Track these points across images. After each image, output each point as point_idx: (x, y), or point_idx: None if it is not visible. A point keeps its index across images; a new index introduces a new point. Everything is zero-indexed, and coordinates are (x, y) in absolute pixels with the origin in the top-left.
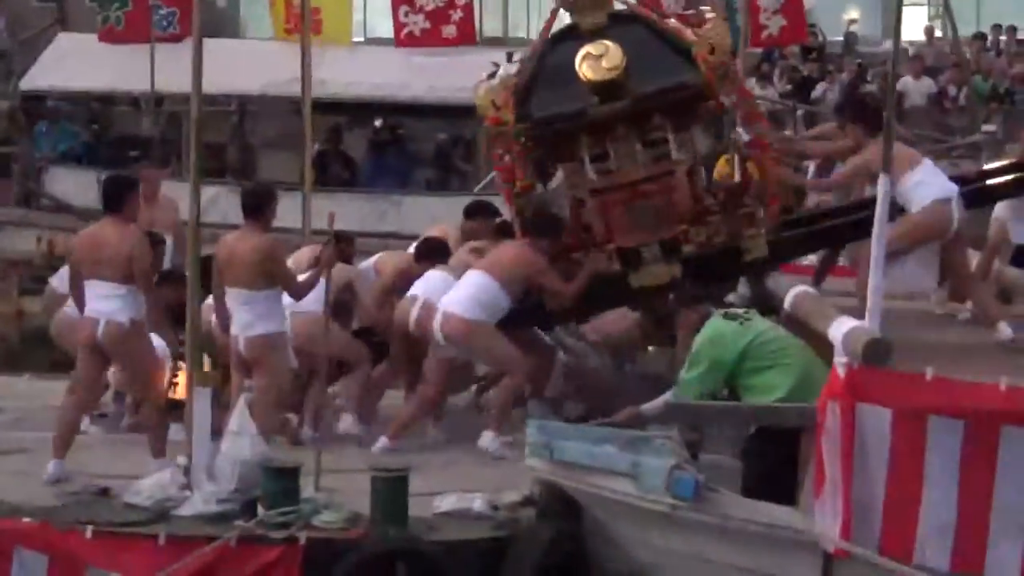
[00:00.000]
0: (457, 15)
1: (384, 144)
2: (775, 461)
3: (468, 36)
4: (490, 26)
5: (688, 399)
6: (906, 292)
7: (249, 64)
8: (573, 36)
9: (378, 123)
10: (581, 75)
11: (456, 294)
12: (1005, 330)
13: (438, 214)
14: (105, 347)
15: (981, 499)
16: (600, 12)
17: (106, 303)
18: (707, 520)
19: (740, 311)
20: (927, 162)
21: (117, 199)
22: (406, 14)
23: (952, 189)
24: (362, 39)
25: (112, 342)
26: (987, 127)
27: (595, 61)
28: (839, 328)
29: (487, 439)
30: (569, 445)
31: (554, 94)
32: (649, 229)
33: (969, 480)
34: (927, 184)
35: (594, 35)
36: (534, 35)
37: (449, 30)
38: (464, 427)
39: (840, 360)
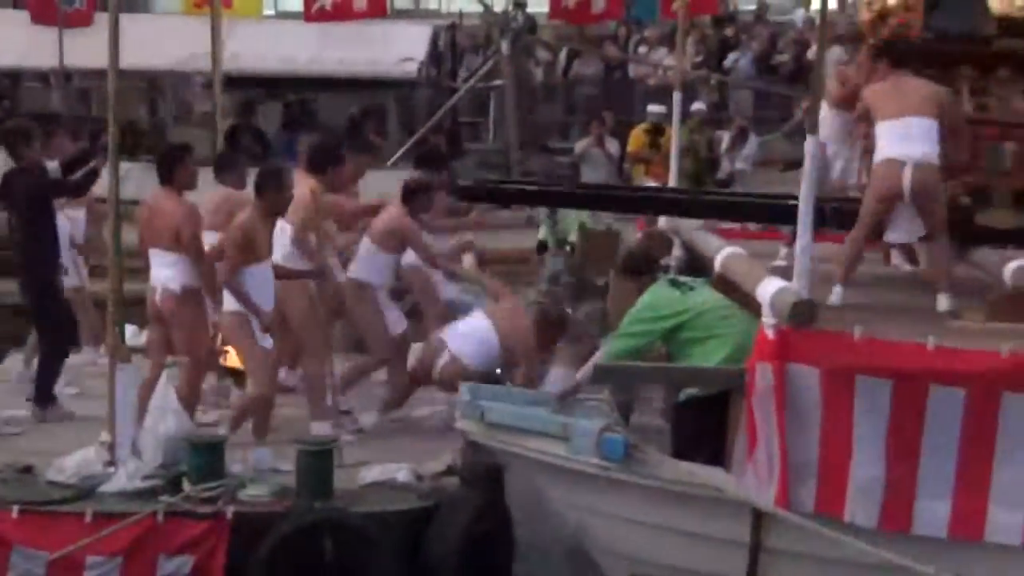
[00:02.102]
0: None
1: (296, 118)
2: (703, 424)
3: (379, 8)
4: None
5: (622, 355)
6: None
7: (159, 39)
8: None
9: (290, 97)
10: (992, 5)
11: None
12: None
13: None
14: (163, 314)
15: (909, 458)
16: None
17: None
18: (636, 481)
19: (687, 279)
20: (898, 120)
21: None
22: None
23: (909, 154)
24: (273, 13)
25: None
26: None
27: None
28: (766, 289)
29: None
30: (500, 407)
31: (954, 14)
32: (1009, 173)
33: (897, 439)
34: (886, 140)
35: None
36: (444, 6)
37: (360, 3)
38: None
39: (768, 321)
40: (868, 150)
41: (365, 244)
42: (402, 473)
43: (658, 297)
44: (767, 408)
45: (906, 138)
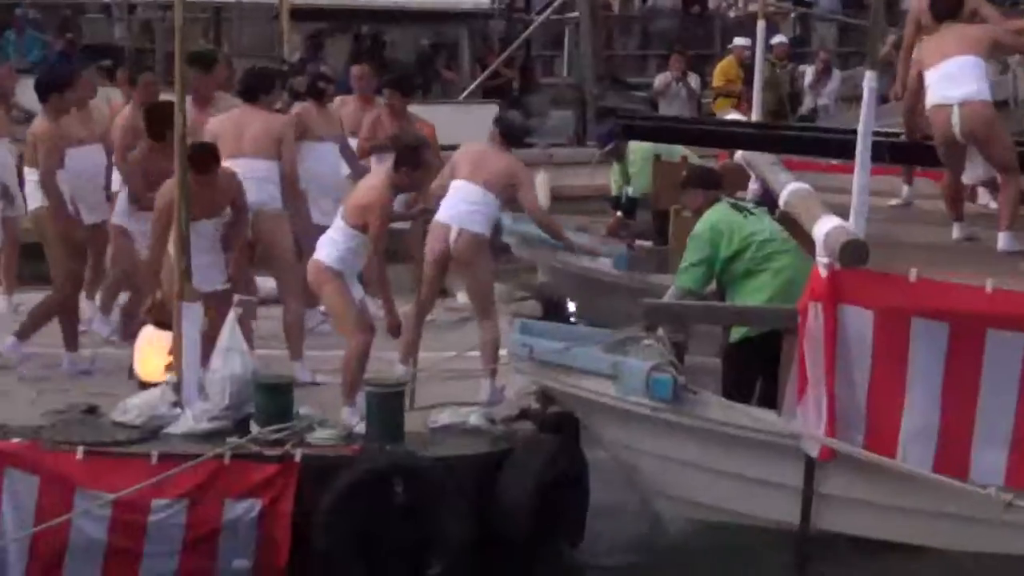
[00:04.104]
0: None
1: (367, 51)
2: (756, 364)
3: None
4: None
5: (691, 287)
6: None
7: None
8: None
9: (361, 31)
10: None
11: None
12: (1008, 239)
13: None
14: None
15: (966, 402)
16: None
17: None
18: (686, 422)
19: (748, 204)
20: (940, 65)
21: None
22: None
23: (951, 96)
24: None
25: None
26: None
27: None
28: (821, 228)
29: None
30: (551, 345)
31: None
32: None
33: (953, 383)
34: (931, 87)
35: None
36: None
37: None
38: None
39: (822, 260)
40: None
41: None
42: (474, 416)
43: (720, 219)
44: (817, 350)
45: (948, 80)
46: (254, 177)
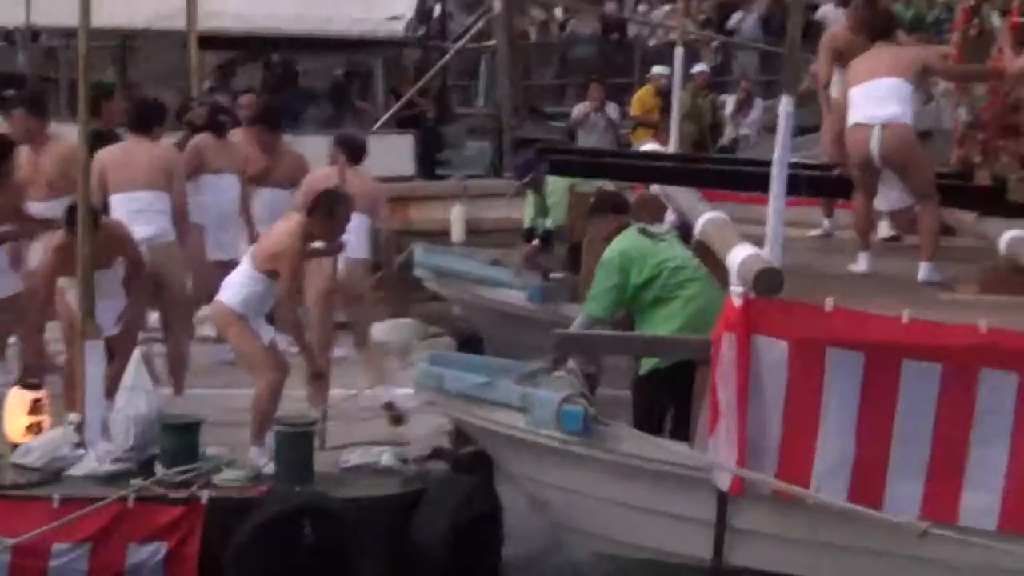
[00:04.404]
0: None
1: (278, 80)
2: (669, 394)
3: None
4: None
5: (599, 315)
6: (897, 207)
7: None
8: None
9: (272, 59)
10: None
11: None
12: (929, 270)
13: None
14: None
15: (881, 433)
16: None
17: None
18: (597, 455)
19: (659, 231)
20: (867, 84)
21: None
22: None
23: (874, 116)
24: None
25: None
26: None
27: None
28: (736, 257)
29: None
30: (461, 377)
31: None
32: None
33: (869, 414)
34: (855, 105)
35: None
36: None
37: None
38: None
39: (736, 290)
40: None
41: None
42: (386, 456)
43: (631, 245)
44: (730, 381)
45: (873, 100)
46: (144, 209)
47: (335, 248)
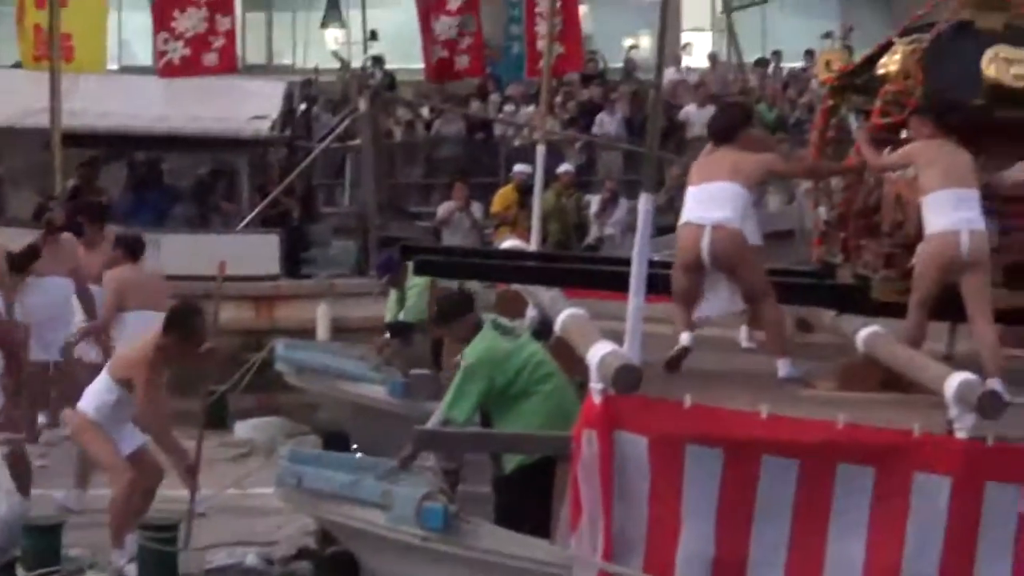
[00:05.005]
0: (219, 42)
1: (143, 179)
2: (530, 491)
3: (230, 64)
4: (253, 53)
5: (460, 420)
6: (723, 313)
7: None
8: (967, 31)
9: (136, 157)
10: (986, 74)
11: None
12: (786, 367)
13: (199, 253)
14: None
15: (740, 529)
16: (1001, 16)
17: None
18: (458, 552)
19: (511, 325)
20: (703, 185)
21: None
22: (165, 41)
23: (705, 217)
24: (117, 67)
25: None
26: None
27: (1005, 65)
28: (595, 353)
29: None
30: (320, 473)
31: (944, 82)
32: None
33: (728, 510)
34: (688, 206)
35: (990, 37)
36: (299, 62)
37: (210, 58)
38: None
39: (595, 386)
40: None
41: None
42: (251, 556)
43: (491, 346)
44: (592, 477)
45: (707, 201)
46: None
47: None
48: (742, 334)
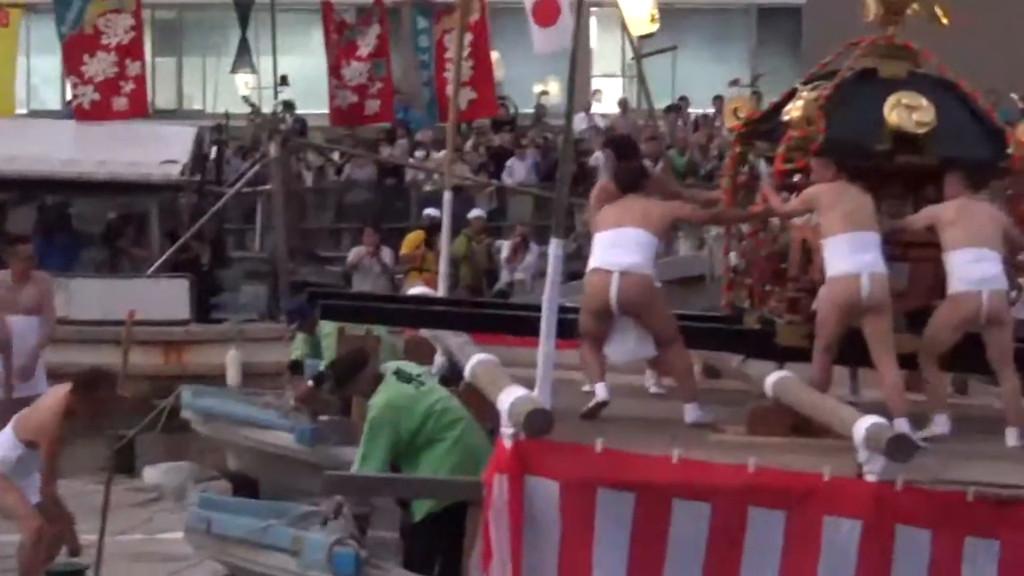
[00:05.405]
0: (129, 87)
1: (52, 223)
2: (440, 536)
3: (140, 108)
4: (163, 98)
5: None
6: (632, 359)
7: None
8: (871, 78)
9: (45, 201)
10: (888, 120)
11: None
12: (695, 411)
13: (108, 298)
14: None
15: (652, 574)
16: (903, 64)
17: None
18: None
19: (413, 372)
20: (612, 231)
21: None
22: (75, 86)
23: (614, 263)
24: (26, 111)
25: None
26: None
27: (906, 111)
28: (506, 398)
29: None
30: (231, 519)
31: (847, 128)
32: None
33: (639, 554)
34: (596, 252)
35: (893, 84)
36: (209, 107)
37: (120, 102)
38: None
39: (506, 431)
40: None
41: None
42: None
43: (396, 395)
44: (503, 522)
45: (615, 247)
46: None
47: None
48: (648, 379)
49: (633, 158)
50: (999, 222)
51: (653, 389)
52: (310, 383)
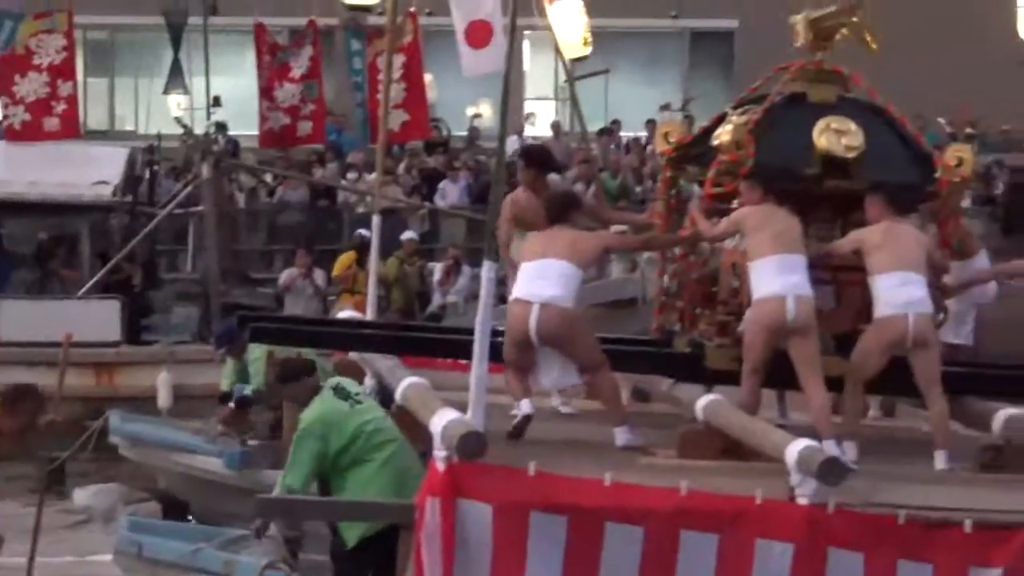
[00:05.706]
0: (61, 107)
1: None
2: (372, 559)
3: (72, 129)
4: (95, 119)
5: (297, 486)
6: (558, 387)
7: None
8: (800, 102)
9: None
10: (817, 144)
11: None
12: (625, 435)
13: (39, 319)
14: None
15: None
16: (833, 89)
17: None
18: None
19: (352, 390)
20: (536, 262)
21: None
22: (6, 106)
23: (535, 294)
24: None
25: None
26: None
27: (836, 136)
28: (438, 421)
29: None
30: (162, 543)
31: (777, 152)
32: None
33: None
34: (519, 282)
35: (822, 108)
36: (141, 127)
37: (52, 123)
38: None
39: (439, 454)
40: None
41: None
42: None
43: (328, 410)
44: (435, 545)
45: (537, 278)
46: None
47: None
48: (555, 399)
49: (544, 167)
50: (924, 245)
51: (563, 409)
52: (231, 405)
